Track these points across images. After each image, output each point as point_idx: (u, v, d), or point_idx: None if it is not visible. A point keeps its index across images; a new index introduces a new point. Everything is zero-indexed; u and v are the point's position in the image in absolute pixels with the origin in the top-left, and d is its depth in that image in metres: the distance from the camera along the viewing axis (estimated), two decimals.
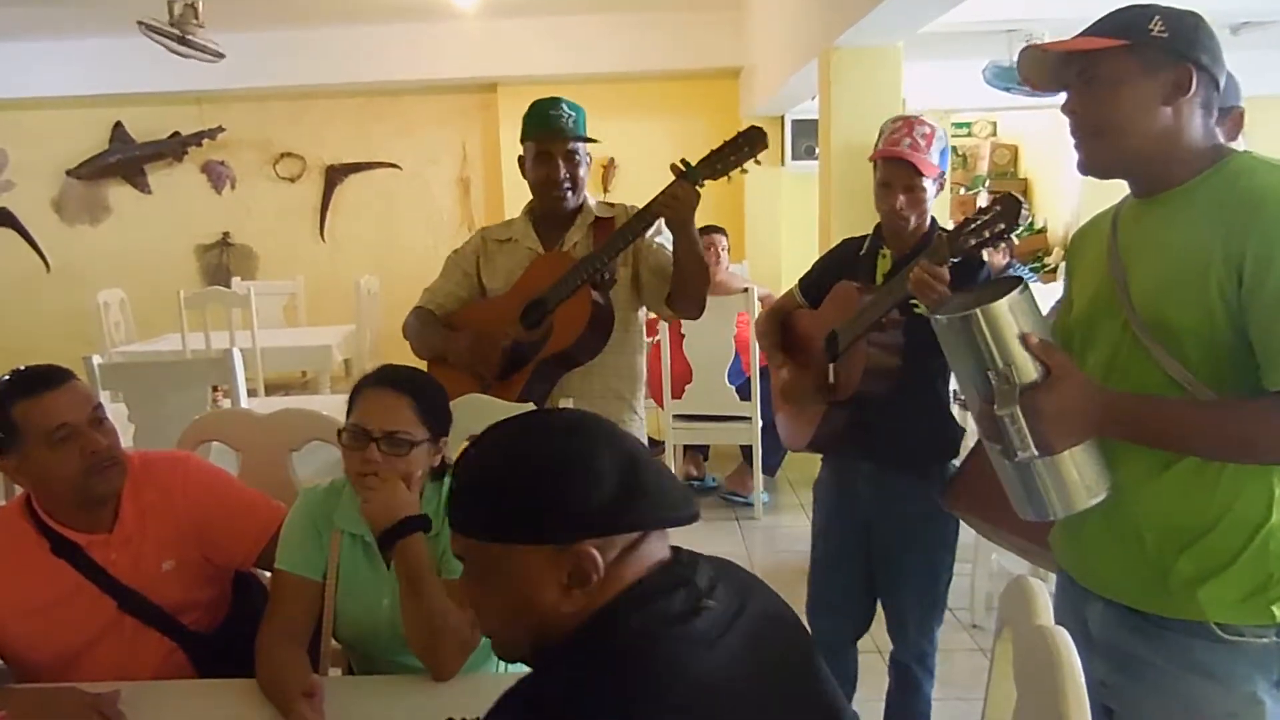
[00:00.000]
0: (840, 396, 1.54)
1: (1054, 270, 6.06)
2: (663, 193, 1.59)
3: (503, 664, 1.27)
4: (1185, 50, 0.93)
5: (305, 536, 1.24)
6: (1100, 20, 0.97)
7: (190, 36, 3.13)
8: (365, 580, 1.23)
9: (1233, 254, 0.88)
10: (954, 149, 6.82)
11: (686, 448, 3.53)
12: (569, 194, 1.73)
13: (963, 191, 6.85)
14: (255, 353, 3.64)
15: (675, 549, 0.73)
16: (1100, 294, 1.00)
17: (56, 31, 4.69)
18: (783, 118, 4.95)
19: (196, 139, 5.28)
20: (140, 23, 3.09)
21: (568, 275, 1.66)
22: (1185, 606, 0.93)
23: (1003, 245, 4.39)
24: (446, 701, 1.12)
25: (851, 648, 1.74)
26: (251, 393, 3.15)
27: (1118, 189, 1.06)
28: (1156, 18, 0.93)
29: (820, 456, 1.74)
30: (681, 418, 3.29)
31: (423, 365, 1.68)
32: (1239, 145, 1.05)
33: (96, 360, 2.22)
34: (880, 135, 1.54)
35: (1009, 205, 1.33)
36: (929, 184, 1.51)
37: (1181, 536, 0.94)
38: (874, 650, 1.71)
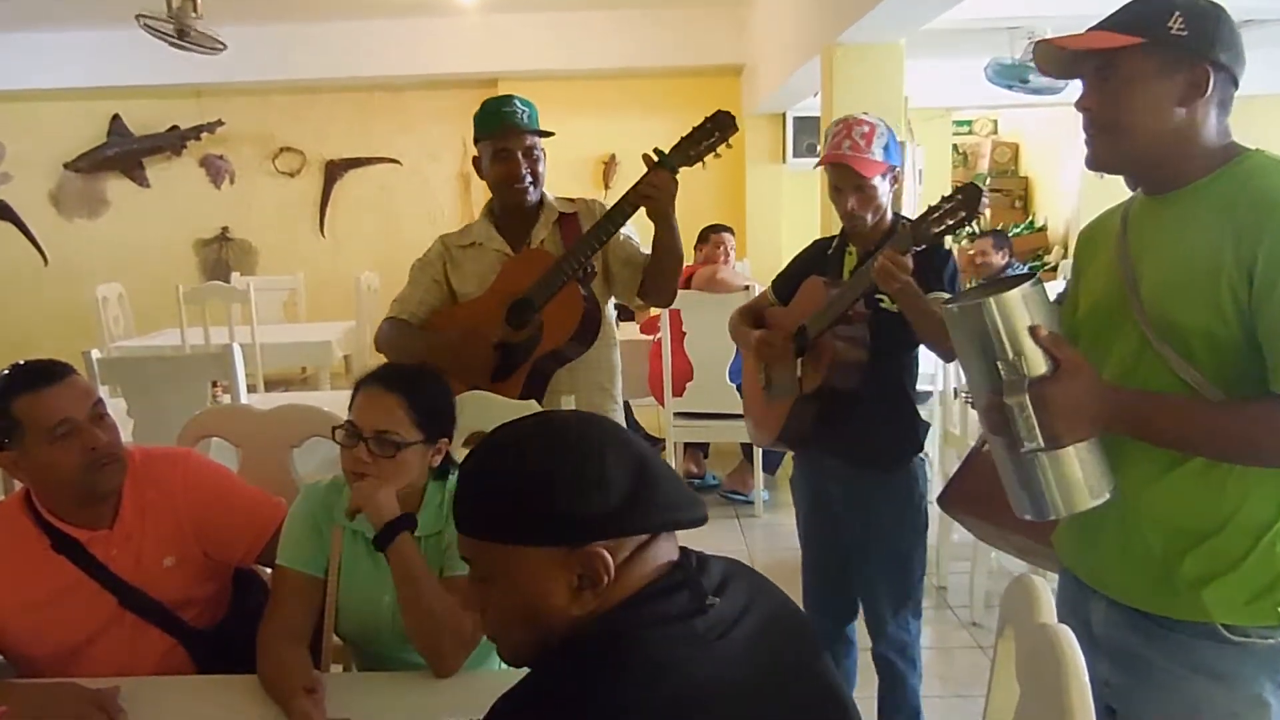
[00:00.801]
0: (808, 389, 1.55)
1: (1054, 269, 6.06)
2: (641, 181, 1.58)
3: None
4: (1204, 49, 0.90)
5: (306, 533, 1.23)
6: (1119, 11, 0.95)
7: (189, 29, 3.12)
8: (367, 576, 1.23)
9: (1244, 256, 0.87)
10: (955, 147, 6.81)
11: (687, 445, 3.53)
12: (530, 189, 1.71)
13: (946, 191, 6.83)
14: (255, 348, 3.63)
15: (684, 550, 0.73)
16: (1110, 294, 1.00)
17: (54, 23, 4.67)
18: (784, 115, 4.95)
19: (195, 133, 5.27)
20: (139, 17, 3.08)
21: (551, 273, 1.65)
22: (1190, 607, 0.93)
23: (1004, 249, 4.41)
24: (448, 698, 1.12)
25: (845, 643, 1.75)
26: (251, 389, 3.15)
27: (1119, 186, 1.05)
28: (1177, 14, 0.90)
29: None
30: (682, 415, 3.29)
31: None
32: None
33: (95, 355, 2.22)
34: (824, 140, 1.55)
35: (970, 193, 1.34)
36: (878, 181, 1.51)
37: (1188, 537, 0.93)
38: (865, 648, 1.72)
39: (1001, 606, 0.89)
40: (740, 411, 3.16)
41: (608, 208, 1.71)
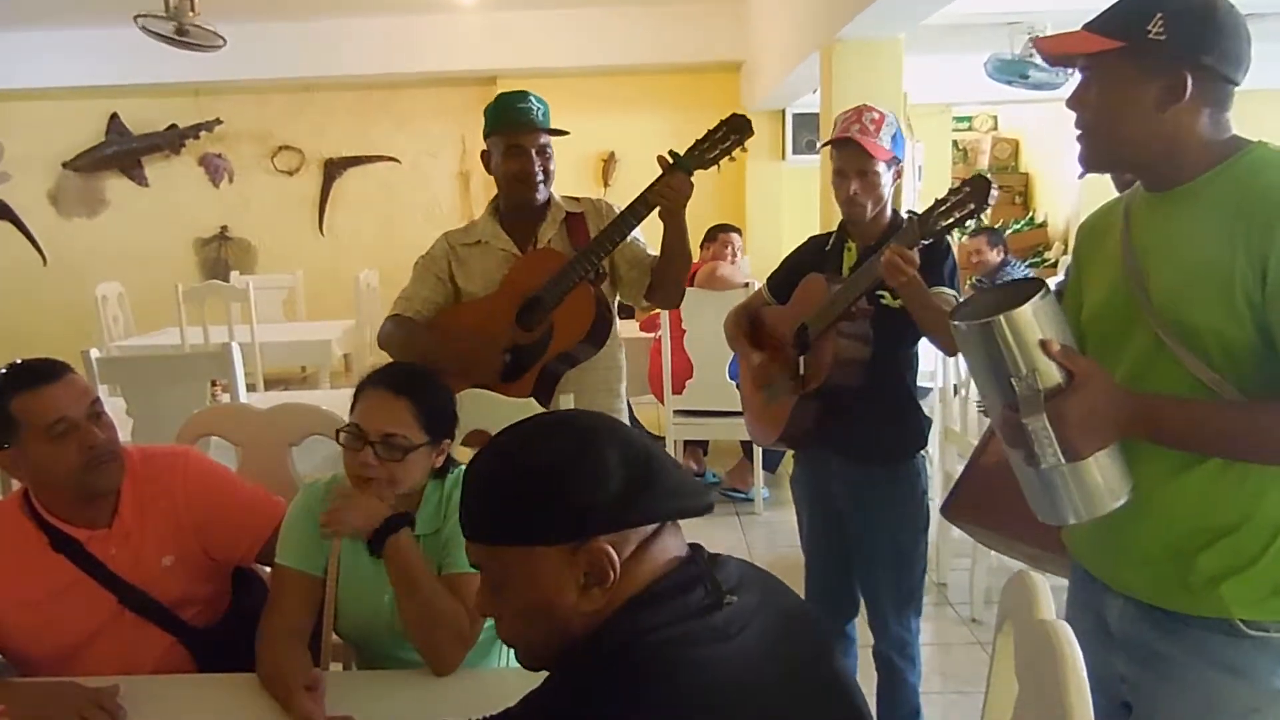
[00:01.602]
0: (810, 388, 1.54)
1: (1054, 265, 6.06)
2: (657, 181, 1.58)
3: (504, 659, 1.27)
4: (1184, 53, 0.89)
5: (306, 532, 1.23)
6: (1106, 11, 0.94)
7: (188, 27, 3.11)
8: (366, 576, 1.22)
9: (1256, 254, 0.86)
10: (955, 143, 6.81)
11: (687, 443, 3.53)
12: (541, 187, 1.70)
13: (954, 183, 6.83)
14: (254, 347, 3.63)
15: (695, 546, 0.73)
16: (1117, 294, 0.98)
17: (52, 22, 4.67)
18: (784, 111, 4.94)
19: (194, 131, 5.26)
20: (137, 18, 3.07)
21: (563, 272, 1.64)
22: (1208, 603, 0.92)
23: (998, 246, 4.40)
24: (447, 696, 1.12)
25: (845, 640, 1.75)
26: (250, 388, 3.15)
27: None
28: (1158, 16, 0.88)
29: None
30: (682, 413, 3.29)
31: None
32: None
33: (95, 354, 2.22)
34: (833, 128, 1.55)
35: (978, 186, 1.33)
36: (882, 168, 1.51)
37: (1205, 534, 0.93)
38: (866, 645, 1.72)
39: (1000, 602, 0.89)
40: (739, 409, 3.18)
41: (615, 207, 1.71)
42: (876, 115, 1.50)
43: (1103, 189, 1.06)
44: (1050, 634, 0.75)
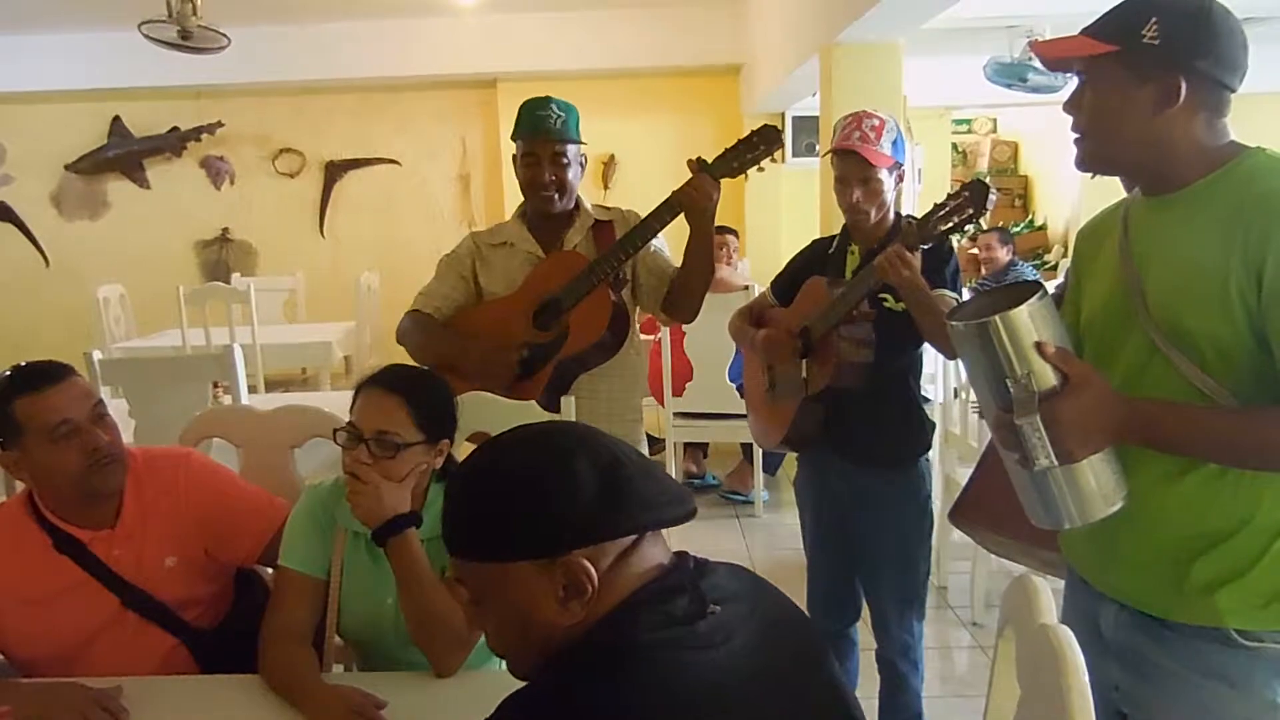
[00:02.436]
0: (813, 390, 1.54)
1: (1054, 268, 6.06)
2: (686, 184, 1.59)
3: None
4: (1178, 58, 0.89)
5: (309, 534, 1.23)
6: (1104, 16, 0.94)
7: (191, 30, 3.11)
8: (369, 578, 1.23)
9: (1252, 260, 0.86)
10: (954, 146, 6.81)
11: (686, 445, 3.53)
12: (555, 197, 1.70)
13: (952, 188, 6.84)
14: (255, 349, 3.63)
15: (680, 553, 0.73)
16: (1114, 299, 0.98)
17: (54, 25, 4.67)
18: (783, 114, 4.94)
19: (195, 134, 5.27)
20: (141, 26, 3.08)
21: (583, 274, 1.64)
22: (1202, 612, 0.92)
23: (1008, 245, 4.40)
24: (447, 698, 1.12)
25: (847, 644, 1.75)
26: (251, 389, 3.15)
27: (1118, 185, 1.05)
28: (1152, 21, 0.89)
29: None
30: (682, 415, 3.29)
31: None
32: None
33: (97, 356, 2.22)
34: (834, 134, 1.55)
35: (977, 190, 1.34)
36: (884, 175, 1.51)
37: (1200, 541, 0.92)
38: (868, 648, 1.72)
39: (1002, 606, 0.88)
40: (739, 411, 3.19)
41: (643, 217, 1.70)
42: (877, 121, 1.50)
43: (1103, 192, 1.06)
44: (1052, 639, 0.74)
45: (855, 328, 1.50)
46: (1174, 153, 0.93)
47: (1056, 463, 0.88)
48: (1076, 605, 1.07)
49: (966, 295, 1.43)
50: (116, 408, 1.66)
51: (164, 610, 1.25)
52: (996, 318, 0.88)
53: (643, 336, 3.50)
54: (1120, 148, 0.94)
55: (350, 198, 5.42)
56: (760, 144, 1.58)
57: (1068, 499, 0.91)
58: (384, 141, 5.34)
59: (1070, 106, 0.97)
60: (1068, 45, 0.94)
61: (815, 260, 1.67)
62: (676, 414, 3.29)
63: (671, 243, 1.75)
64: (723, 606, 0.68)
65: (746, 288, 3.23)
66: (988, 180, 1.45)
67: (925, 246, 1.38)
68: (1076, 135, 0.98)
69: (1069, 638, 0.74)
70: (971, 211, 1.33)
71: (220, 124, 5.26)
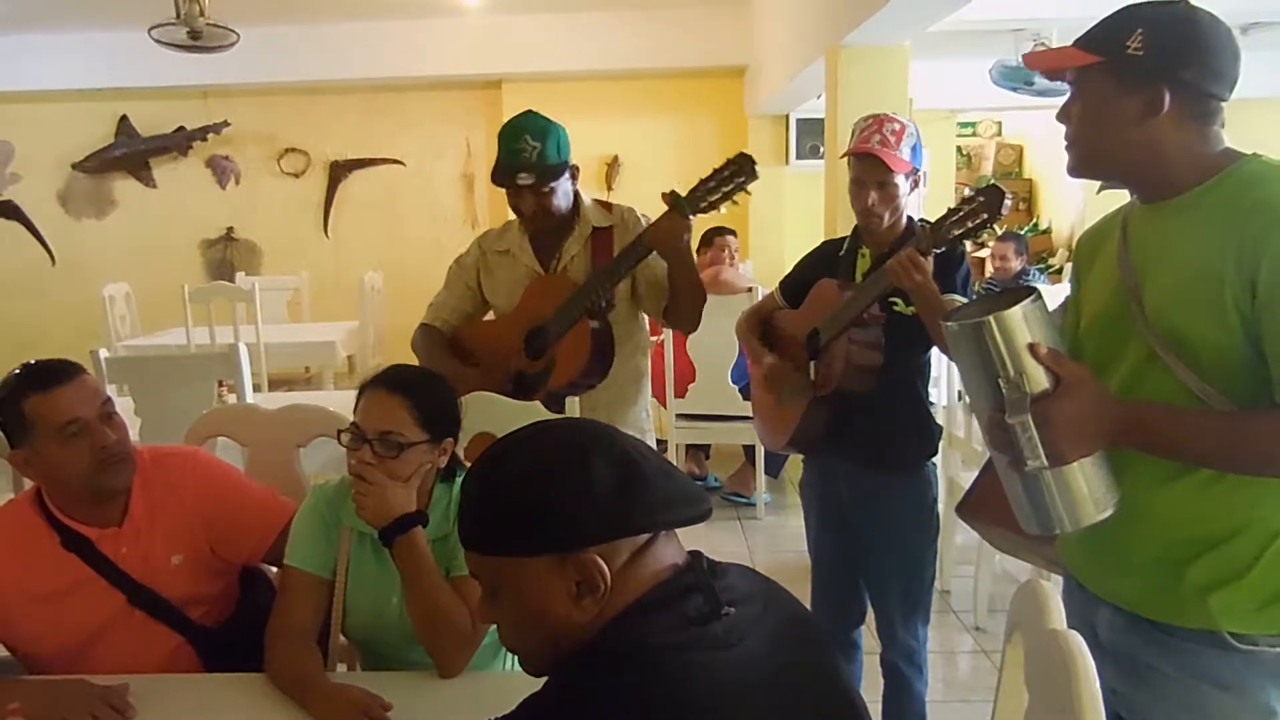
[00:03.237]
0: (821, 393, 1.54)
1: (1059, 271, 6.04)
2: (652, 225, 1.61)
3: (510, 662, 1.28)
4: (1162, 68, 0.90)
5: (315, 533, 1.24)
6: (1094, 26, 0.96)
7: (199, 30, 3.12)
8: (374, 577, 1.23)
9: (1247, 267, 0.86)
10: (959, 149, 6.80)
11: (689, 447, 3.53)
12: (544, 219, 1.69)
13: (967, 191, 6.83)
14: (259, 348, 3.64)
15: (695, 553, 0.73)
16: (1112, 305, 0.99)
17: (61, 25, 4.69)
18: (788, 116, 4.94)
19: (201, 133, 5.28)
20: (151, 30, 3.09)
21: (565, 306, 1.65)
22: (1197, 615, 0.92)
23: (1023, 255, 4.40)
24: (452, 698, 1.12)
25: (851, 648, 1.75)
26: (255, 388, 3.15)
27: (1124, 190, 1.05)
28: (1138, 32, 0.90)
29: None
30: (684, 417, 3.30)
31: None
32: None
33: (103, 354, 2.23)
34: (852, 134, 1.55)
35: (992, 196, 1.33)
36: (901, 180, 1.51)
37: (1195, 545, 0.93)
38: (871, 651, 1.72)
39: (1010, 612, 0.88)
40: (742, 413, 3.19)
41: (642, 219, 1.71)
42: (897, 126, 1.50)
43: (1108, 195, 1.06)
44: (1062, 644, 0.74)
45: (864, 331, 1.50)
46: (1165, 160, 0.94)
47: (1047, 464, 0.88)
48: (1073, 609, 1.07)
49: None
50: (122, 406, 1.66)
51: (170, 608, 1.25)
52: (990, 318, 0.89)
53: (650, 338, 3.54)
54: (1106, 155, 0.96)
55: (354, 198, 5.43)
56: (733, 176, 1.55)
57: (1058, 503, 0.91)
58: (388, 142, 5.35)
59: (1061, 115, 0.99)
60: (1057, 56, 0.97)
61: (825, 262, 1.67)
62: (678, 415, 3.29)
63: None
64: (736, 608, 0.69)
65: (750, 289, 3.23)
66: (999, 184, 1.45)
67: (937, 251, 1.37)
68: (1067, 142, 0.99)
69: (1080, 643, 0.74)
70: (986, 217, 1.33)
71: (226, 124, 5.28)
